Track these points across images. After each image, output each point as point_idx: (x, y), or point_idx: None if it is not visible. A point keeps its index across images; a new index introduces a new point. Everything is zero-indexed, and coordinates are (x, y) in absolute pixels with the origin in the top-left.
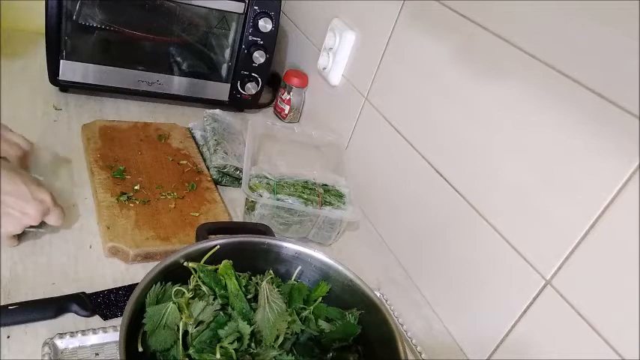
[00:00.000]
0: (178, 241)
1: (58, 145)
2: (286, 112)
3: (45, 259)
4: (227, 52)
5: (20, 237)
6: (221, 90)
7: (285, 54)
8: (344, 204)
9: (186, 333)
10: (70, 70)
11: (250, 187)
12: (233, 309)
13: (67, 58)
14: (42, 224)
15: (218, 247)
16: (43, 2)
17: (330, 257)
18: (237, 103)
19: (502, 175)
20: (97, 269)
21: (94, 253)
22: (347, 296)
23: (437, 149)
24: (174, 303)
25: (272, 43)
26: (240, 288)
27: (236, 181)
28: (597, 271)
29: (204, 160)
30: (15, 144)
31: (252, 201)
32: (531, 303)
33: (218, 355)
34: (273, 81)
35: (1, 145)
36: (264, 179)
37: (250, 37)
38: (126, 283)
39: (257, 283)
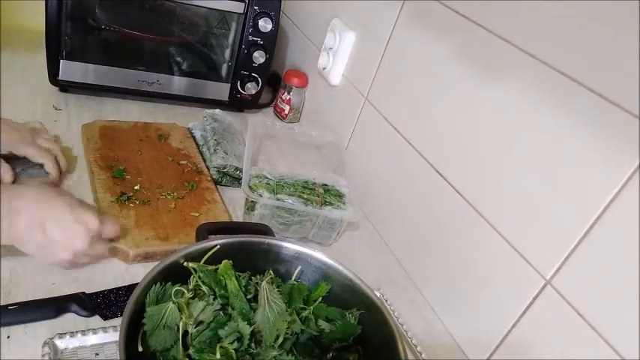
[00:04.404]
0: (178, 241)
1: None
2: (286, 112)
3: None
4: (227, 52)
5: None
6: (221, 90)
7: (285, 54)
8: (344, 204)
9: (186, 333)
10: (70, 70)
11: (250, 187)
12: (233, 309)
13: (67, 58)
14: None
15: (218, 247)
16: (43, 2)
17: (330, 257)
18: (237, 103)
19: (502, 174)
20: (97, 269)
21: None
22: (347, 296)
23: (437, 149)
24: (174, 303)
25: (272, 43)
26: (240, 288)
27: (236, 181)
28: (597, 271)
29: (204, 160)
30: (47, 149)
31: (252, 201)
32: (531, 303)
33: (218, 355)
34: (273, 81)
35: (36, 153)
36: (264, 179)
37: (250, 37)
38: (126, 283)
39: (257, 283)
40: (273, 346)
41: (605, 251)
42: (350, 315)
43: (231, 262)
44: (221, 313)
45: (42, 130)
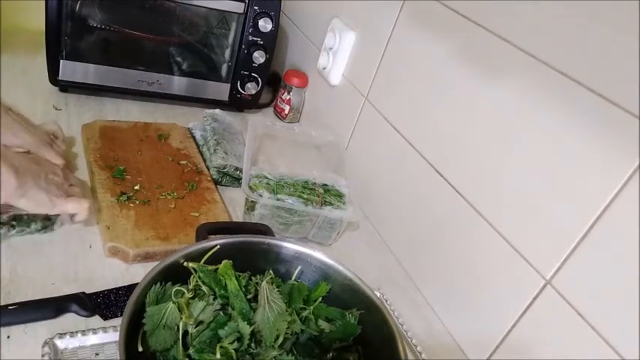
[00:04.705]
0: (178, 241)
1: None
2: (286, 112)
3: (45, 259)
4: (227, 52)
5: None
6: (221, 90)
7: (285, 54)
8: (344, 204)
9: (186, 333)
10: (70, 70)
11: (250, 187)
12: (233, 309)
13: (67, 58)
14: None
15: (218, 247)
16: (43, 2)
17: (330, 257)
18: (237, 103)
19: (502, 174)
20: (97, 269)
21: (94, 253)
22: (347, 296)
23: (437, 149)
24: (174, 303)
25: (272, 43)
26: (240, 288)
27: (236, 181)
28: (597, 271)
29: (204, 160)
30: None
31: (252, 201)
32: (531, 303)
33: (218, 355)
34: (273, 81)
35: (53, 156)
36: (264, 179)
37: (250, 37)
38: (126, 283)
39: (257, 283)
40: (273, 346)
41: (605, 251)
42: (350, 315)
43: (231, 262)
44: (221, 313)
45: (58, 132)
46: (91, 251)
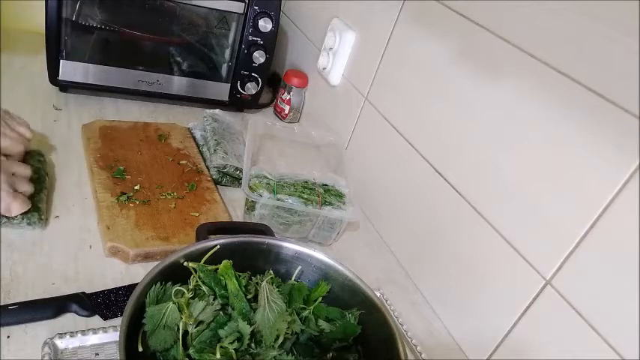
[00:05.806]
0: (178, 241)
1: (58, 145)
2: (286, 112)
3: (45, 259)
4: (227, 52)
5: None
6: (221, 90)
7: (285, 54)
8: (344, 204)
9: (186, 333)
10: (70, 70)
11: (250, 187)
12: (233, 309)
13: (67, 58)
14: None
15: (218, 247)
16: (43, 2)
17: (330, 257)
18: (237, 103)
19: (502, 175)
20: (97, 269)
21: (94, 253)
22: (347, 296)
23: (437, 149)
24: (174, 303)
25: (272, 43)
26: (240, 288)
27: (236, 181)
28: (597, 271)
29: (204, 160)
30: (18, 137)
31: (252, 201)
32: (531, 303)
33: (218, 355)
34: (273, 81)
35: (4, 140)
36: (264, 179)
37: (250, 37)
38: (126, 283)
39: (257, 283)
40: (273, 346)
41: (605, 251)
42: (350, 315)
43: (231, 262)
44: (221, 313)
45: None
46: (91, 251)
